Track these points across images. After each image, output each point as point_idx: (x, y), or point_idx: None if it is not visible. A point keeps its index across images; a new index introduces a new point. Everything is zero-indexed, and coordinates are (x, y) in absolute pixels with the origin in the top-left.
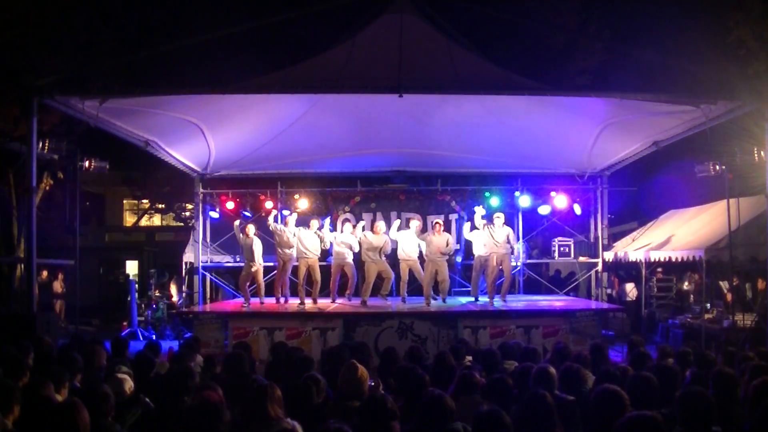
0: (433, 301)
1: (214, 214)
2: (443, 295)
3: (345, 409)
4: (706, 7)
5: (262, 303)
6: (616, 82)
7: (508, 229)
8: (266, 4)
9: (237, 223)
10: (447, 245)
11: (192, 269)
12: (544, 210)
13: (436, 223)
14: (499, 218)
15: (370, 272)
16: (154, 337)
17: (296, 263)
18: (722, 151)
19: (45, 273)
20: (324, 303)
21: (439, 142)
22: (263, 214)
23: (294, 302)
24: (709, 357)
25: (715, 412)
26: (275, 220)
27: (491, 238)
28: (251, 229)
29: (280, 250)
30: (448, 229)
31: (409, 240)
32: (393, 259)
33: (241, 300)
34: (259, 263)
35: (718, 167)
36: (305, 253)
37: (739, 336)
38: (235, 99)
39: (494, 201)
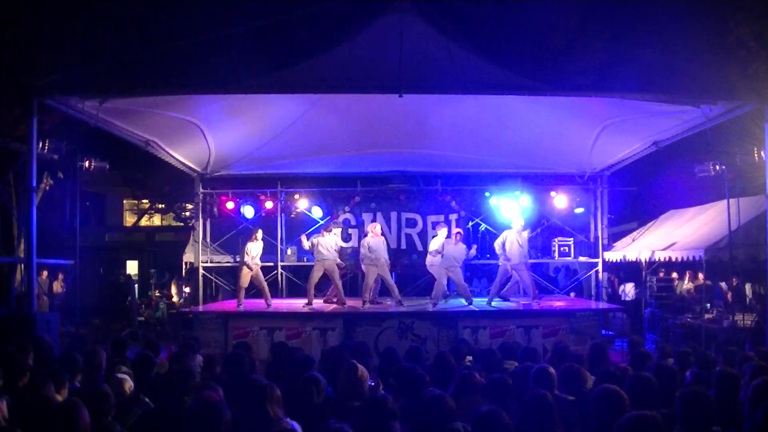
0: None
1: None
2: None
3: (345, 409)
4: (706, 7)
5: (269, 305)
6: (616, 82)
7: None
8: (266, 4)
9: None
10: (462, 254)
11: (192, 269)
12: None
13: (458, 233)
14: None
15: (370, 275)
16: (154, 337)
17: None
18: (722, 151)
19: (45, 273)
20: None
21: (439, 142)
22: (263, 215)
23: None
24: (709, 357)
25: (716, 412)
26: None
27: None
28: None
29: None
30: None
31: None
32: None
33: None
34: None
35: (718, 167)
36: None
37: (739, 336)
38: (235, 99)
39: (494, 201)
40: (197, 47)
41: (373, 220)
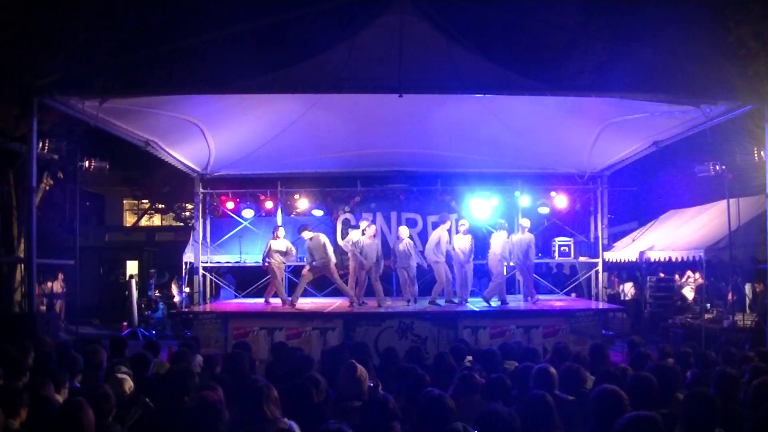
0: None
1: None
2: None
3: (345, 409)
4: (706, 7)
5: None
6: (616, 82)
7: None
8: (266, 4)
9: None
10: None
11: (192, 269)
12: (543, 210)
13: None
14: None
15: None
16: (154, 337)
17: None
18: (722, 151)
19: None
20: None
21: (439, 142)
22: (263, 214)
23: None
24: (710, 357)
25: (719, 413)
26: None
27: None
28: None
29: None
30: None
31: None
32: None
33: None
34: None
35: (718, 167)
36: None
37: (739, 336)
38: (235, 99)
39: (494, 201)
40: (197, 47)
41: (373, 221)
